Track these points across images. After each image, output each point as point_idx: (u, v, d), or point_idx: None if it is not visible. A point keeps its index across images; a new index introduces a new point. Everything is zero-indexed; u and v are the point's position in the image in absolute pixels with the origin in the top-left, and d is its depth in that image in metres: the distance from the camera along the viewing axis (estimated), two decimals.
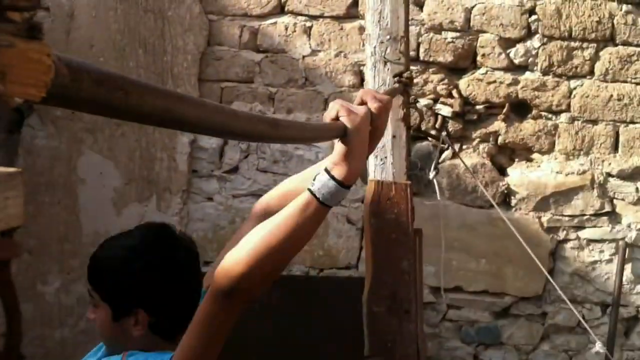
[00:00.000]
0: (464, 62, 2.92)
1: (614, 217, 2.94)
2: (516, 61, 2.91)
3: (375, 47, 2.02)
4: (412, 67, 2.23)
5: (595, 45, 2.90)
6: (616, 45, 2.90)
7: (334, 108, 1.11)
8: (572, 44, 2.90)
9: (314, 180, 1.11)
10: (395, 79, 2.00)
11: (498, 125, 2.93)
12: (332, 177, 1.09)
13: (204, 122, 0.75)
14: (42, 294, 2.94)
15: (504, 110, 2.92)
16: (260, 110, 2.92)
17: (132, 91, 0.60)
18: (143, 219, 2.92)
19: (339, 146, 1.10)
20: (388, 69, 2.01)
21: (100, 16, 2.90)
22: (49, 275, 2.94)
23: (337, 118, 1.10)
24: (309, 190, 1.10)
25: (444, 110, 2.92)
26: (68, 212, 2.92)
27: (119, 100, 0.59)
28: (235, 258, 1.13)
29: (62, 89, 0.53)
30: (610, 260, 2.94)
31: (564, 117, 2.93)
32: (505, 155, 2.97)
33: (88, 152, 2.92)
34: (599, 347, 2.59)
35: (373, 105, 1.17)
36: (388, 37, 2.00)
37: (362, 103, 1.18)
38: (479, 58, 2.91)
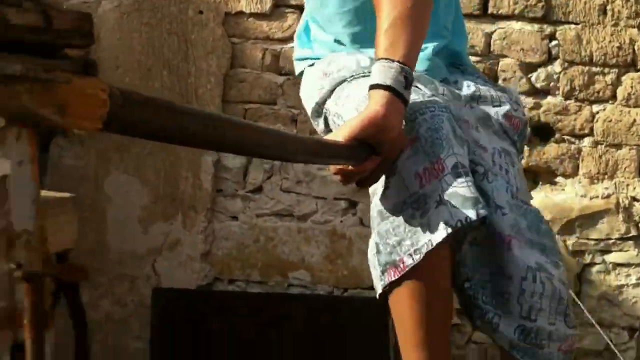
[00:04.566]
0: None
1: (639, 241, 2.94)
2: (538, 85, 2.93)
3: None
4: None
5: (616, 70, 2.92)
6: (637, 70, 2.92)
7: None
8: (593, 69, 2.92)
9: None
10: None
11: None
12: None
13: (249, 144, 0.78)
14: None
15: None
16: None
17: (181, 115, 0.64)
18: (168, 237, 2.97)
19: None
20: None
21: (124, 38, 2.97)
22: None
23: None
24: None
25: None
26: (94, 231, 2.97)
27: (171, 124, 0.63)
28: None
29: (117, 119, 0.57)
30: (637, 285, 2.93)
31: (587, 141, 2.94)
32: (529, 178, 2.98)
33: (115, 171, 2.98)
34: None
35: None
36: None
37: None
38: (500, 82, 2.93)
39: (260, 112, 3.00)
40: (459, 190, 1.17)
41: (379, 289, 1.26)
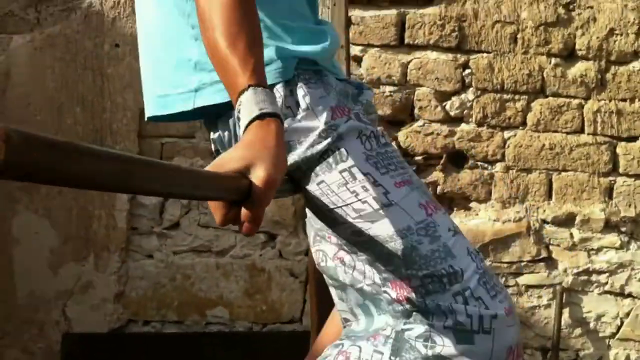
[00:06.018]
0: (402, 115, 2.98)
1: (550, 262, 3.00)
2: (452, 113, 2.98)
3: None
4: None
5: (526, 97, 3.00)
6: (546, 96, 3.01)
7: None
8: (505, 96, 2.99)
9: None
10: None
11: (437, 175, 2.98)
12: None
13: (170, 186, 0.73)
14: None
15: (442, 161, 2.98)
16: (201, 165, 2.91)
17: (86, 157, 0.59)
18: (80, 279, 2.85)
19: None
20: None
21: (37, 74, 2.86)
22: None
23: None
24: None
25: None
26: (1, 274, 2.82)
27: (75, 166, 0.58)
28: None
29: (15, 165, 0.52)
30: (548, 305, 2.99)
31: (499, 166, 3.00)
32: (444, 204, 3.02)
33: (23, 211, 2.84)
34: None
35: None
36: None
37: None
38: (416, 111, 2.97)
39: (177, 146, 2.93)
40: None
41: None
